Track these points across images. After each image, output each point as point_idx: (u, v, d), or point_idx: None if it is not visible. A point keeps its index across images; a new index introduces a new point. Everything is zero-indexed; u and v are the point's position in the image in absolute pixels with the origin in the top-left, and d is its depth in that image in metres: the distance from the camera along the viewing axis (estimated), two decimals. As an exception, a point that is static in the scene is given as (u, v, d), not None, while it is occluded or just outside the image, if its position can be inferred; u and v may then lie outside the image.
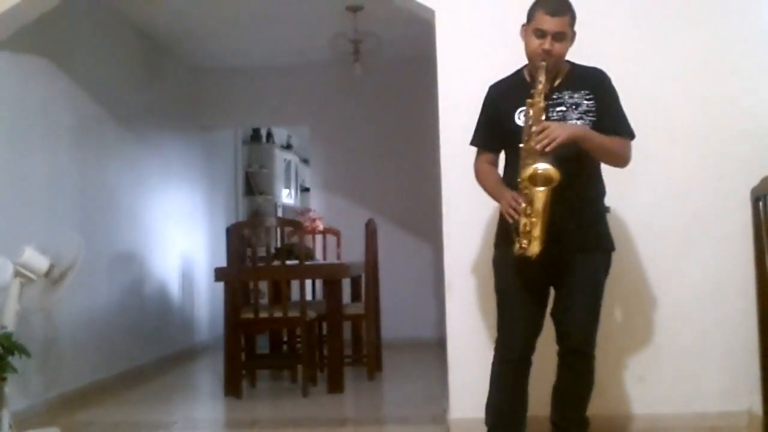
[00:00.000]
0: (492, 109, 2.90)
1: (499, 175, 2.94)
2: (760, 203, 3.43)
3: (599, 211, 2.88)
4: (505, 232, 2.78)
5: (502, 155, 2.97)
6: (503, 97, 2.87)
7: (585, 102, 2.76)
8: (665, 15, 3.66)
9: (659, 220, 3.60)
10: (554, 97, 2.76)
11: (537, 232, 2.63)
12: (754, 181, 3.47)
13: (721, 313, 3.55)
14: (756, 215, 3.48)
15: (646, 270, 3.58)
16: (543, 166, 2.61)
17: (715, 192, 3.58)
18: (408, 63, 6.73)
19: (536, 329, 2.84)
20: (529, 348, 2.84)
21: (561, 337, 2.86)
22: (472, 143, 2.99)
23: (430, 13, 3.74)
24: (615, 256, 3.58)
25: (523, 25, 2.80)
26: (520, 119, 2.76)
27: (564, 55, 2.76)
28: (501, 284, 2.88)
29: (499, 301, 2.89)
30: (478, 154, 2.98)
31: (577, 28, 2.77)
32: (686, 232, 3.59)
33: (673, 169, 3.61)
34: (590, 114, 2.76)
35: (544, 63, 2.68)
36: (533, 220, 2.62)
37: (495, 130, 2.89)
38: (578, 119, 2.74)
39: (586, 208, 2.82)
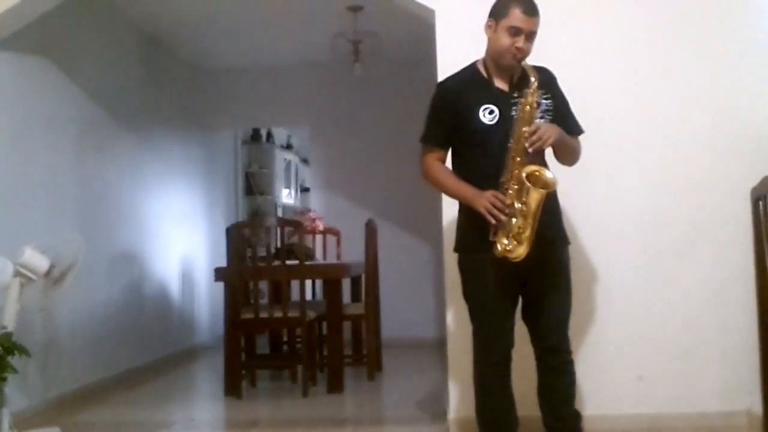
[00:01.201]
0: (450, 108, 2.81)
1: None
2: (760, 203, 3.43)
3: (559, 204, 2.86)
4: (479, 236, 2.69)
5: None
6: (462, 95, 2.79)
7: (543, 101, 2.75)
8: (666, 15, 3.66)
9: (659, 219, 3.60)
10: (515, 95, 2.74)
11: (527, 233, 2.60)
12: (754, 181, 3.47)
13: (721, 313, 3.55)
14: (756, 215, 3.48)
15: (646, 269, 3.58)
16: (545, 171, 2.63)
17: (715, 192, 3.58)
18: (408, 63, 6.75)
19: (513, 325, 2.80)
20: (511, 346, 2.81)
21: (539, 337, 2.82)
22: (424, 140, 2.89)
23: (430, 13, 3.74)
24: (616, 256, 3.59)
25: (492, 20, 2.76)
26: (485, 117, 2.73)
27: (529, 54, 2.75)
28: (478, 287, 2.80)
29: (477, 304, 2.82)
30: (427, 151, 2.87)
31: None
32: (686, 232, 3.59)
33: (673, 169, 3.61)
34: (549, 113, 2.76)
35: (524, 63, 2.68)
36: (528, 221, 2.59)
37: (450, 128, 2.81)
38: (540, 118, 2.72)
39: (555, 203, 2.81)
